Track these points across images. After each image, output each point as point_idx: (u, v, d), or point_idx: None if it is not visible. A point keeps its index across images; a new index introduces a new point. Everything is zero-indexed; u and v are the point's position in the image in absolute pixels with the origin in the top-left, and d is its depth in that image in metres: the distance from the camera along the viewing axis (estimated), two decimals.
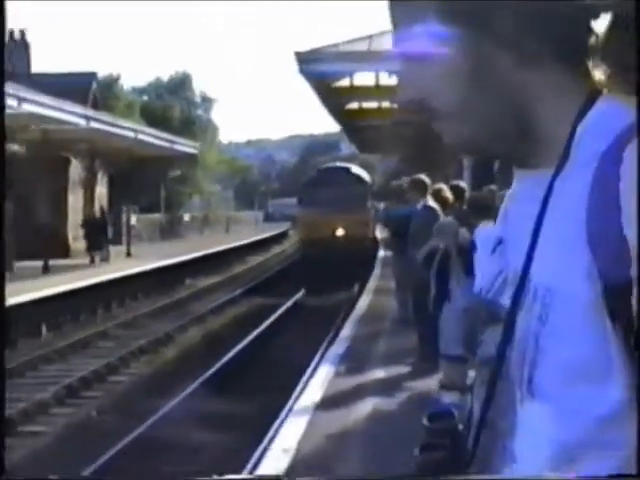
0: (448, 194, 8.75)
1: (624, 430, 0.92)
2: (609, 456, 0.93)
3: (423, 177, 9.59)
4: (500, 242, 1.09)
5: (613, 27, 1.00)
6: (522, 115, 1.01)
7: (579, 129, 0.98)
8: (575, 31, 0.99)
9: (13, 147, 25.73)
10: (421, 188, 9.31)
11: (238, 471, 6.72)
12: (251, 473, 6.11)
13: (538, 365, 0.96)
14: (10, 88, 21.19)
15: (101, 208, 28.91)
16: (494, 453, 1.02)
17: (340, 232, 23.32)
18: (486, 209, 5.93)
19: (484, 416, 1.01)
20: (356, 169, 27.02)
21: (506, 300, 1.02)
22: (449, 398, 6.61)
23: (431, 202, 8.88)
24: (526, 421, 0.97)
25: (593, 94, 1.00)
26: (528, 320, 0.97)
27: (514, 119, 1.01)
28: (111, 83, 50.63)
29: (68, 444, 9.05)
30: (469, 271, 1.21)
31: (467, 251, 5.94)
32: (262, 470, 6.03)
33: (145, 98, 61.21)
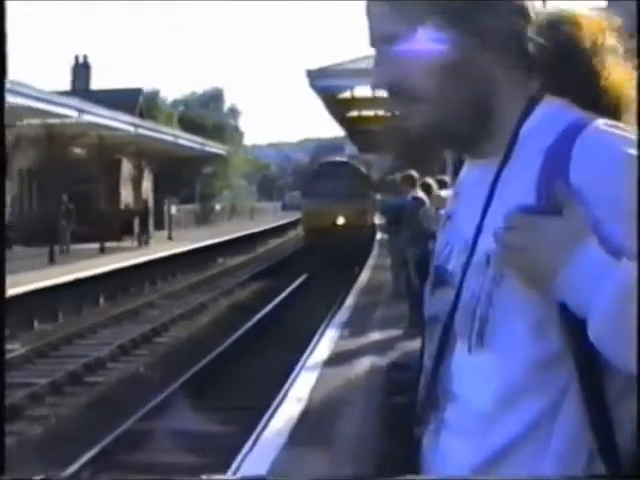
0: (434, 187, 8.74)
1: (558, 375, 0.91)
2: (542, 398, 0.92)
3: (413, 172, 9.58)
4: (449, 217, 1.06)
5: (548, 40, 0.96)
6: (485, 106, 0.98)
7: (523, 128, 0.96)
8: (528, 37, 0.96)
9: (75, 150, 25.72)
10: (411, 182, 9.30)
11: (263, 401, 6.69)
12: (271, 418, 6.10)
13: (490, 319, 0.94)
14: (72, 101, 21.20)
15: (144, 201, 28.90)
16: (437, 394, 1.01)
17: (341, 221, 21.70)
18: None
19: (437, 366, 1.00)
20: (354, 162, 25.37)
21: (452, 267, 1.00)
22: None
23: (420, 193, 8.86)
24: (474, 367, 0.95)
25: (535, 97, 0.97)
26: (481, 281, 0.95)
27: (478, 108, 0.98)
28: (154, 97, 50.50)
29: (121, 392, 9.11)
30: None
31: None
32: (280, 415, 6.04)
33: (182, 109, 61.04)
